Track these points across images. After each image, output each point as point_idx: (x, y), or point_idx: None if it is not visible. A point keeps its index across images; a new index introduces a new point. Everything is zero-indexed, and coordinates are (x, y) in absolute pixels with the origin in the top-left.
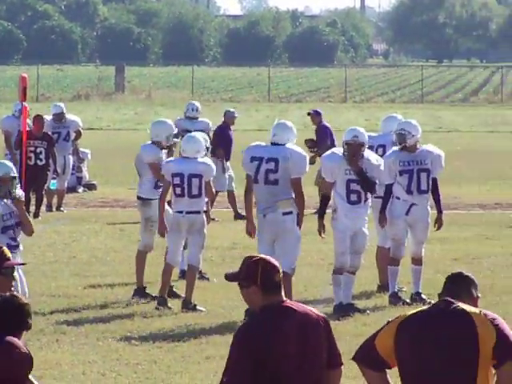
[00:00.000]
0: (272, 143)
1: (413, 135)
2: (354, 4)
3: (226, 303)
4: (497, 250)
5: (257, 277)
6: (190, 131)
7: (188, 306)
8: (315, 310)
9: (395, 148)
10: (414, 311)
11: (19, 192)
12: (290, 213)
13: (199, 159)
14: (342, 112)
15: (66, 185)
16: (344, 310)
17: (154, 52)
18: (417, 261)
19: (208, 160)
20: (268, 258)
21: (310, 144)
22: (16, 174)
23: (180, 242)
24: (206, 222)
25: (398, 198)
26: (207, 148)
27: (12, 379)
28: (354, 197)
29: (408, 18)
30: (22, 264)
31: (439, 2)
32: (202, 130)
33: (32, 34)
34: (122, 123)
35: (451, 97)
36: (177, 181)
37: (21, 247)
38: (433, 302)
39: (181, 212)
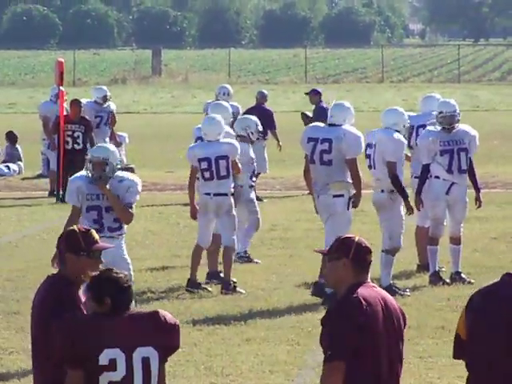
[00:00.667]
0: (329, 124)
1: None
2: None
3: (265, 285)
4: None
5: (350, 250)
6: None
7: (228, 287)
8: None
9: (431, 128)
10: (479, 289)
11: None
12: (342, 196)
13: (221, 140)
14: (379, 92)
15: None
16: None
17: (191, 35)
18: (456, 240)
19: (231, 140)
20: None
21: (305, 121)
22: (117, 163)
23: (209, 224)
24: (233, 204)
25: (438, 178)
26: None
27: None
28: None
29: None
30: (110, 247)
31: None
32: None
33: (68, 19)
34: (159, 106)
35: (488, 76)
36: (204, 165)
37: (113, 233)
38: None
39: (208, 194)
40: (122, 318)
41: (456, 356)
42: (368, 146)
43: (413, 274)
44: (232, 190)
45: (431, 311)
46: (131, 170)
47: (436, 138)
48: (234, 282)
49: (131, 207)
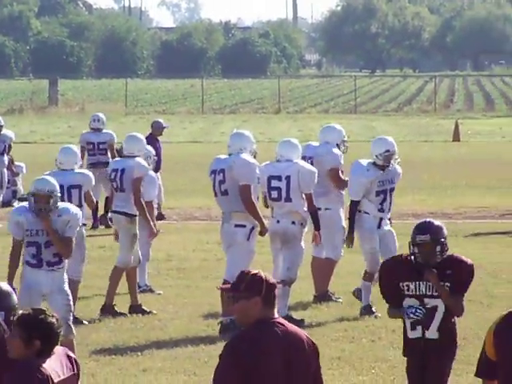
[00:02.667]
0: (229, 154)
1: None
2: (287, 15)
3: (162, 315)
4: None
5: (261, 289)
6: (94, 143)
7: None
8: (304, 332)
9: (364, 163)
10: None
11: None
12: (243, 226)
13: (76, 170)
14: (275, 123)
15: (0, 199)
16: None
17: (87, 65)
18: (372, 276)
19: (86, 170)
20: (267, 274)
21: None
22: (58, 193)
23: None
24: (84, 234)
25: (368, 214)
26: (153, 158)
27: None
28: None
29: (340, 28)
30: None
31: (371, 12)
32: (104, 142)
33: None
34: (56, 136)
35: (384, 107)
36: None
37: (53, 267)
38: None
39: None
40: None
41: (480, 375)
42: (276, 178)
43: (309, 305)
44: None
45: (328, 341)
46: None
47: (375, 178)
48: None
49: (71, 241)
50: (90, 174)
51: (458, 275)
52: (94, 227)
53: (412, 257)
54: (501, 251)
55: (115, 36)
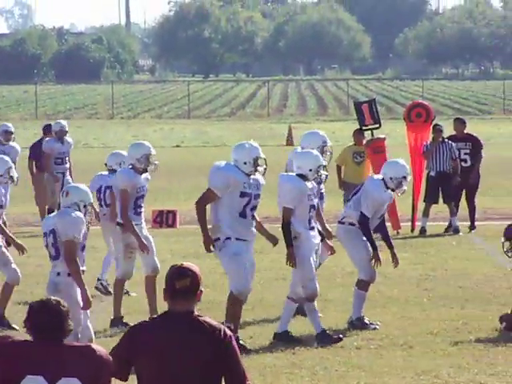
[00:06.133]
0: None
1: None
2: (120, 20)
3: None
4: (266, 264)
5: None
6: None
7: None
8: (217, 324)
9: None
10: None
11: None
12: (217, 239)
13: None
14: (109, 128)
15: None
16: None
17: None
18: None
19: None
20: (184, 265)
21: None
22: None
23: None
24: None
25: (354, 225)
26: None
27: None
28: None
29: (173, 33)
30: None
31: (204, 17)
32: None
33: None
34: None
35: (218, 111)
36: None
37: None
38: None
39: None
40: (51, 347)
41: None
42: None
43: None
44: None
45: None
46: None
47: (390, 201)
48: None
49: None
50: None
51: None
52: None
53: None
54: None
55: None
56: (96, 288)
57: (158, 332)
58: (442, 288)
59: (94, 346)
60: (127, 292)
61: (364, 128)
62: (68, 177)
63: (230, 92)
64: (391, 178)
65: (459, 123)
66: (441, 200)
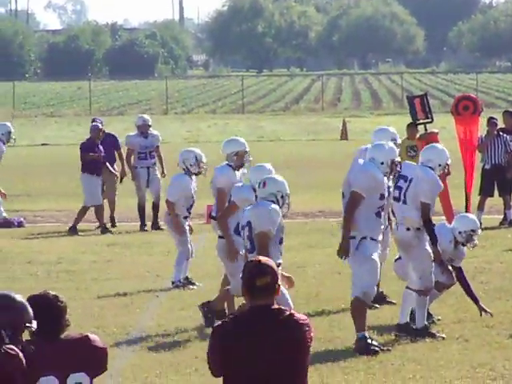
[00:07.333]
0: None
1: None
2: (173, 16)
3: None
4: (321, 258)
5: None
6: None
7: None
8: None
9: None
10: None
11: None
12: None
13: None
14: (163, 124)
15: None
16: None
17: None
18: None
19: None
20: (262, 261)
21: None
22: None
23: None
24: None
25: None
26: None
27: None
28: None
29: (227, 28)
30: None
31: (258, 12)
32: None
33: None
34: None
35: (272, 106)
36: None
37: None
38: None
39: None
40: (52, 345)
41: None
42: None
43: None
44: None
45: None
46: None
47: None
48: None
49: None
50: None
51: None
52: None
53: None
54: None
55: (2, 39)
56: (176, 286)
57: (245, 330)
58: (498, 281)
59: (90, 335)
60: (194, 283)
61: (417, 122)
62: (156, 172)
63: (283, 86)
64: (460, 232)
65: (508, 116)
66: (496, 193)
